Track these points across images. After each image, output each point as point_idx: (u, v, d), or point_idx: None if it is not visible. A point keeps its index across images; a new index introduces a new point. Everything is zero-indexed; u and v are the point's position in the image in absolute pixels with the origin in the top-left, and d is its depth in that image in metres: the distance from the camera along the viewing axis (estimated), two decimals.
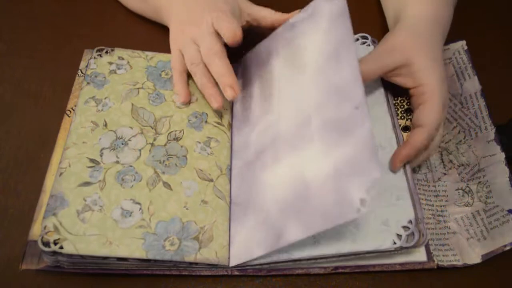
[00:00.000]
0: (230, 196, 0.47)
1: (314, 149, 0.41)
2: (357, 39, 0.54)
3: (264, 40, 0.53)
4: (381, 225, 0.42)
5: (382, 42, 0.49)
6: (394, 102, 0.50)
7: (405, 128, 0.50)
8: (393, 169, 0.45)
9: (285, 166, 0.43)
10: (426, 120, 0.45)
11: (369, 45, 0.53)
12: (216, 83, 0.49)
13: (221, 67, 0.47)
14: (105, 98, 0.49)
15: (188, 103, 0.51)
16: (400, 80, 0.48)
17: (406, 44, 0.47)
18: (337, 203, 0.36)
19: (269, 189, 0.44)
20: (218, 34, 0.49)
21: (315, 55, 0.45)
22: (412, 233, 0.40)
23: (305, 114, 0.43)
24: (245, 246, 0.43)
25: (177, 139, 0.48)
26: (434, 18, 0.50)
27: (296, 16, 0.50)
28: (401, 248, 0.40)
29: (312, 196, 0.39)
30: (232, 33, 0.47)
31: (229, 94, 0.47)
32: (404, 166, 0.45)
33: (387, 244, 0.40)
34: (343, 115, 0.39)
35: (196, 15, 0.50)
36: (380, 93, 0.50)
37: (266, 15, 0.53)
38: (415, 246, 0.40)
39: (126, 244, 0.41)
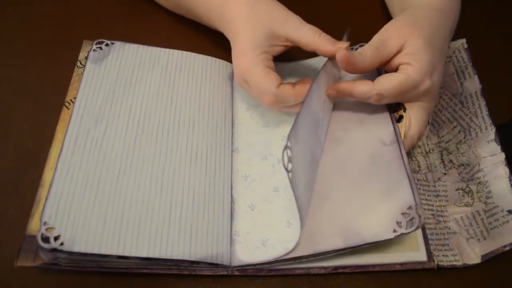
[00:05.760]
0: (231, 195, 0.47)
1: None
2: (356, 49, 0.54)
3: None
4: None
5: (383, 29, 0.47)
6: None
7: (400, 118, 0.49)
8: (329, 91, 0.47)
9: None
10: (381, 83, 0.45)
11: None
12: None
13: None
14: None
15: None
16: (390, 62, 0.47)
17: (403, 27, 0.46)
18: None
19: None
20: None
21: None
22: (412, 218, 0.41)
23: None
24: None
25: None
26: (439, 7, 0.49)
27: None
28: (401, 235, 0.41)
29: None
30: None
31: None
32: (401, 153, 0.46)
33: (387, 235, 0.41)
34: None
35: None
36: None
37: (308, 42, 0.47)
38: (415, 230, 0.41)
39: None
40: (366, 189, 0.44)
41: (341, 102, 0.51)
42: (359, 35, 0.53)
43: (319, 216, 0.44)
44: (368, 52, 0.45)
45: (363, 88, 0.45)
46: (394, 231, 0.41)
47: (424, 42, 0.45)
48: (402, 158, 0.45)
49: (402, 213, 0.42)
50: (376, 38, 0.47)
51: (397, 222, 0.41)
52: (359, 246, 0.41)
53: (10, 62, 0.57)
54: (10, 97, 0.54)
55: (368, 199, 0.44)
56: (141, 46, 0.54)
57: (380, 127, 0.48)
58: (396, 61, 0.46)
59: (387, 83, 0.45)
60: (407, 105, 0.48)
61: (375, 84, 0.45)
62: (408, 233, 0.41)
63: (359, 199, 0.44)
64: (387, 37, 0.46)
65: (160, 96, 0.51)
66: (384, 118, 0.49)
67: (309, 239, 0.43)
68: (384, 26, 0.48)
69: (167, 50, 0.54)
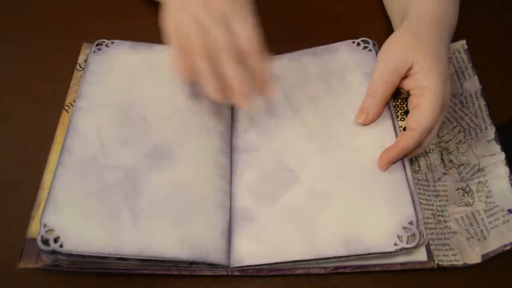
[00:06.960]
0: (231, 196, 0.47)
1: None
2: (358, 44, 0.53)
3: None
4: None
5: (387, 48, 0.48)
6: (394, 103, 0.50)
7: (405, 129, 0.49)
8: (380, 167, 0.45)
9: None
10: (418, 124, 0.44)
11: (370, 50, 0.52)
12: None
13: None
14: None
15: None
16: (401, 82, 0.47)
17: (409, 47, 0.46)
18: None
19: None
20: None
21: None
22: (413, 234, 0.40)
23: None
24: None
25: None
26: (438, 14, 0.49)
27: None
28: (402, 249, 0.40)
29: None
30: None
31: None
32: (404, 168, 0.45)
33: (388, 247, 0.41)
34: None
35: None
36: None
37: None
38: (415, 247, 0.40)
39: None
40: (367, 196, 0.44)
41: (342, 105, 0.50)
42: (359, 31, 0.53)
43: (320, 219, 0.43)
44: (379, 91, 0.46)
45: (410, 142, 0.45)
46: (395, 244, 0.40)
47: (433, 57, 0.45)
48: (405, 169, 0.44)
49: (403, 227, 0.41)
50: (382, 65, 0.47)
51: (398, 236, 0.41)
52: (362, 255, 0.41)
53: (10, 62, 0.57)
54: (10, 97, 0.54)
55: (369, 206, 0.43)
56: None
57: (382, 135, 0.47)
58: (408, 83, 0.46)
59: (423, 122, 0.44)
60: None
61: (416, 129, 0.44)
62: (410, 248, 0.40)
63: (361, 206, 0.43)
64: (394, 59, 0.46)
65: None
66: (387, 126, 0.47)
67: (311, 243, 0.42)
68: (387, 45, 0.48)
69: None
